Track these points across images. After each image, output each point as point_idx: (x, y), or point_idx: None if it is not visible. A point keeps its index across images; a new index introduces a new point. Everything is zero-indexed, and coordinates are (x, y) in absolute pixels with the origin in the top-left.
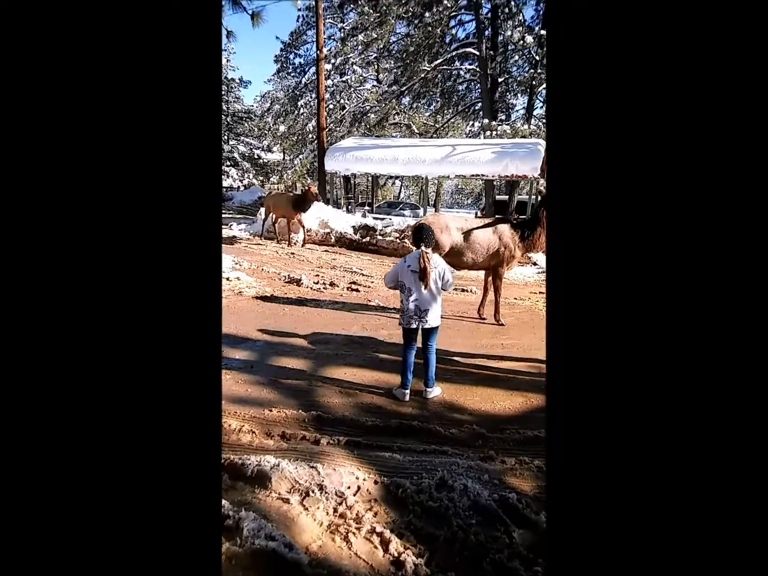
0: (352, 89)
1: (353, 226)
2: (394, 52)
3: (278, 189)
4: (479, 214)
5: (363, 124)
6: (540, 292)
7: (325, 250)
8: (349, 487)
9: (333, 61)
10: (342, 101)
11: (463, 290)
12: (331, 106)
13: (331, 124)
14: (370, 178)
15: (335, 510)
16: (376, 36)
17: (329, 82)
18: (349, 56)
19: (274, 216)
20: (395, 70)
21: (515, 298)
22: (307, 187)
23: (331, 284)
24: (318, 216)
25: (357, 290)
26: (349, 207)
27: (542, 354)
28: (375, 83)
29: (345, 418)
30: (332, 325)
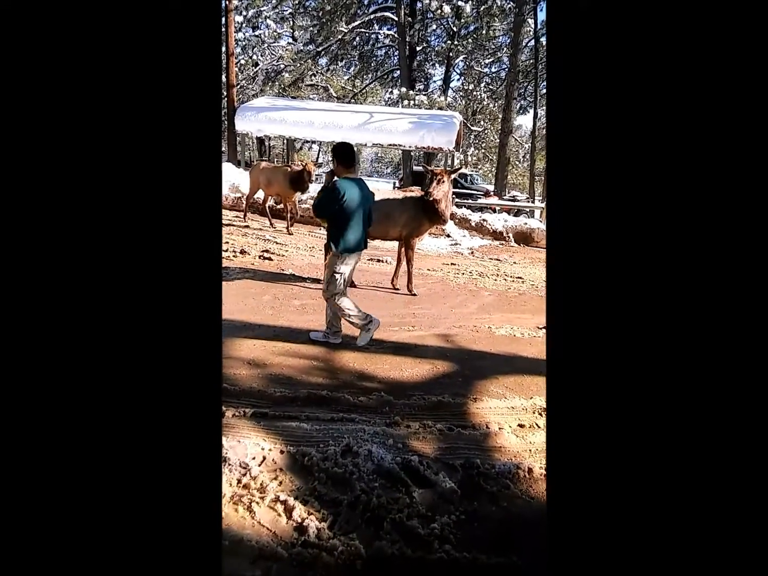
0: (266, 45)
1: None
2: (310, 9)
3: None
4: (397, 184)
5: (277, 83)
6: (452, 264)
7: (236, 216)
8: (254, 458)
9: (244, 13)
10: (255, 57)
11: (378, 261)
12: (242, 62)
13: (243, 81)
14: (285, 141)
15: (239, 481)
16: None
17: (240, 35)
18: (262, 9)
19: (263, 194)
20: (311, 29)
21: (428, 269)
22: (304, 164)
23: (242, 252)
24: (229, 179)
25: (270, 259)
26: None
27: (451, 323)
28: (290, 40)
29: (252, 390)
30: (241, 296)
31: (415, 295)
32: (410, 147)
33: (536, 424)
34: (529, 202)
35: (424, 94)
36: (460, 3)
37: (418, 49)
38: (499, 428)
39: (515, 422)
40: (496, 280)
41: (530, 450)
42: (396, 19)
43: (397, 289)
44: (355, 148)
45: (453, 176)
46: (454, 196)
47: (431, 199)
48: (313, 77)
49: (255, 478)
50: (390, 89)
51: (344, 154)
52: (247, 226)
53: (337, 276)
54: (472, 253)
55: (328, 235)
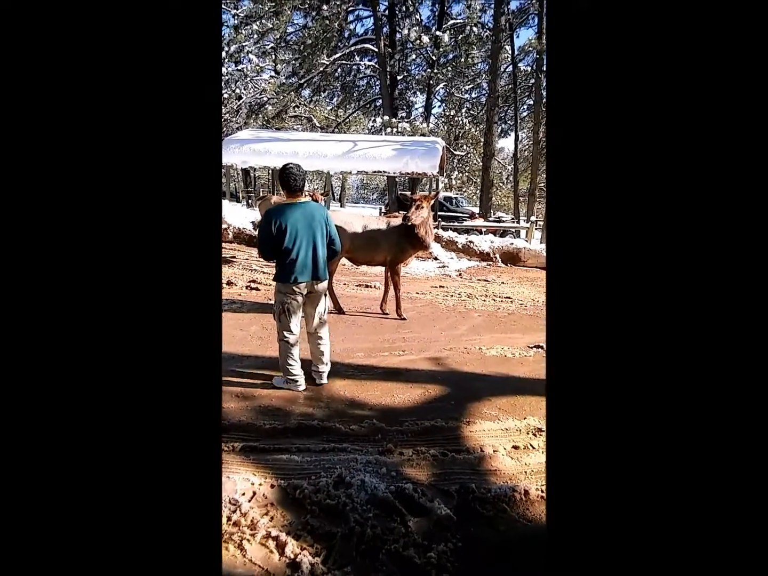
0: (249, 79)
1: (252, 222)
2: (291, 43)
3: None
4: (383, 210)
5: (261, 115)
6: (440, 286)
7: (222, 247)
8: (243, 494)
9: (227, 48)
10: (238, 91)
11: (366, 286)
12: (225, 96)
13: (227, 115)
14: (270, 172)
15: (229, 519)
16: (272, 26)
17: (223, 70)
18: (244, 44)
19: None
20: (293, 62)
21: (417, 292)
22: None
23: (229, 283)
24: None
25: (257, 289)
26: (249, 201)
27: (441, 345)
28: (273, 74)
29: (241, 423)
30: (229, 327)
31: (404, 319)
32: (395, 173)
33: (531, 445)
34: (514, 222)
35: (407, 121)
36: (438, 33)
37: (398, 78)
38: (494, 451)
39: (509, 444)
40: (484, 300)
41: (526, 472)
42: (376, 50)
43: (387, 314)
44: (301, 170)
45: (432, 201)
46: (440, 219)
47: (410, 224)
48: (296, 108)
49: (245, 515)
50: (373, 117)
51: (283, 179)
52: (233, 257)
53: (278, 305)
54: (460, 274)
55: None
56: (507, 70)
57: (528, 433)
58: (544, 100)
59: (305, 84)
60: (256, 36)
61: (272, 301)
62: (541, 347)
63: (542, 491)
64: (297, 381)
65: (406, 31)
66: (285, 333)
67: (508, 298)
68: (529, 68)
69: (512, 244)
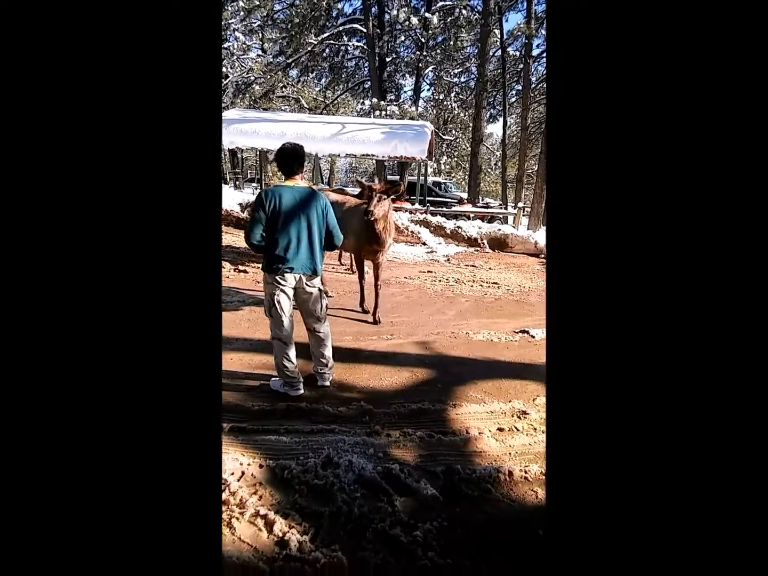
0: (235, 57)
1: (240, 204)
2: (278, 21)
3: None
4: None
5: (248, 95)
6: (429, 271)
7: None
8: (232, 473)
9: None
10: (224, 70)
11: (355, 271)
12: None
13: None
14: (258, 153)
15: None
16: (258, 3)
17: None
18: (230, 22)
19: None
20: (280, 41)
21: (405, 277)
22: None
23: None
24: None
25: (245, 271)
26: (237, 183)
27: (429, 330)
28: (260, 53)
29: (229, 405)
30: None
31: (367, 312)
32: (383, 157)
33: (515, 428)
34: (501, 208)
35: (396, 105)
36: (427, 15)
37: (387, 60)
38: (479, 433)
39: (494, 426)
40: (472, 286)
41: (510, 453)
42: (365, 30)
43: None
44: (299, 150)
45: (393, 196)
46: (428, 204)
47: (372, 218)
48: (284, 89)
49: (234, 494)
50: (361, 100)
51: (279, 160)
52: None
53: (267, 298)
54: (448, 260)
55: None
56: (496, 54)
57: (512, 416)
58: (533, 85)
59: (293, 64)
60: (242, 13)
61: (261, 284)
62: (527, 332)
63: (525, 472)
64: (294, 385)
65: (395, 12)
66: (277, 330)
67: (495, 283)
68: (517, 53)
69: (500, 230)
